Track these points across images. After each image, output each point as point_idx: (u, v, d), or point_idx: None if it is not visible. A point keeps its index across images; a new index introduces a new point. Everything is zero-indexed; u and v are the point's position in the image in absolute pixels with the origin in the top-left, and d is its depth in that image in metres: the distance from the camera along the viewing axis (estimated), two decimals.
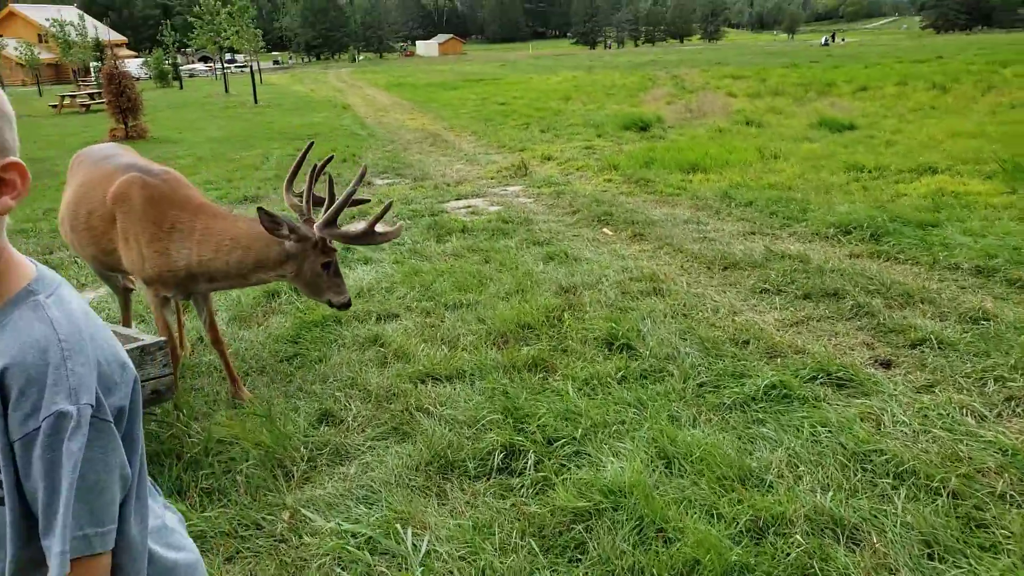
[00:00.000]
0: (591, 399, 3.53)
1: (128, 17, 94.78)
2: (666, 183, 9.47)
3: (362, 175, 3.37)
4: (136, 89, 18.33)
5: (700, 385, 3.66)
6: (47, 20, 49.12)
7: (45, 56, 53.97)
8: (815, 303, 4.81)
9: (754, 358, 3.94)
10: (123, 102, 17.81)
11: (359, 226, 3.50)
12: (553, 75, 34.87)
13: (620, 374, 3.78)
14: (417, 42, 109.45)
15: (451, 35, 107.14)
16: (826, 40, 73.84)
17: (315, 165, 3.71)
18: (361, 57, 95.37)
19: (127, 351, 2.89)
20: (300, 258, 3.38)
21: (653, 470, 2.86)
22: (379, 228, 3.42)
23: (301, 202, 3.58)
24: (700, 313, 4.68)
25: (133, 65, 57.55)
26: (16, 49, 48.19)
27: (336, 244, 3.52)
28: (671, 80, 25.58)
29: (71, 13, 50.23)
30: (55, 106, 28.61)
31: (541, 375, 3.89)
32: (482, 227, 7.52)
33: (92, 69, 42.69)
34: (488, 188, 10.07)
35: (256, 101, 27.64)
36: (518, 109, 20.44)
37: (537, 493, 2.82)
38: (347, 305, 3.52)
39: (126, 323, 4.41)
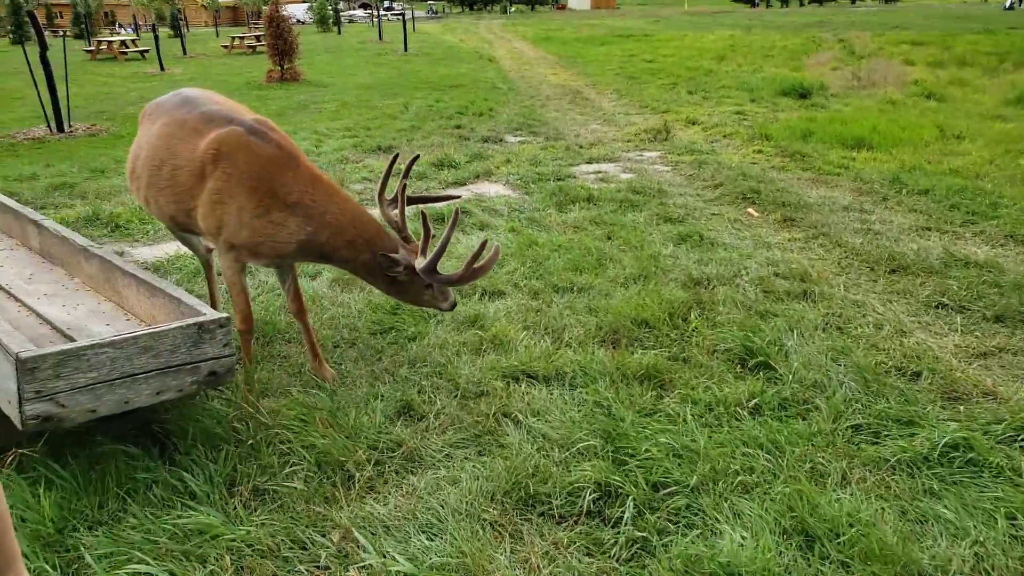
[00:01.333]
0: (713, 433, 2.91)
1: None
2: (825, 160, 8.40)
3: (454, 220, 3.04)
4: (294, 33, 18.74)
5: (854, 429, 2.94)
6: None
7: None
8: (1011, 329, 3.89)
9: (927, 399, 3.15)
10: (281, 45, 18.28)
11: (457, 272, 3.15)
12: (708, 33, 32.86)
13: (753, 402, 3.12)
14: None
15: None
16: (1012, 3, 62.97)
17: (404, 170, 3.44)
18: (513, 9, 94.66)
19: (180, 328, 2.60)
20: (406, 284, 3.30)
21: (785, 549, 2.24)
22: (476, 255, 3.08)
23: (395, 214, 3.45)
24: (859, 328, 3.89)
25: (299, 10, 59.97)
26: None
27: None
28: (839, 44, 23.28)
29: None
30: (226, 46, 30.08)
31: (654, 391, 3.29)
32: (610, 197, 6.88)
33: (262, 13, 44.70)
34: (623, 152, 9.35)
35: (406, 49, 27.80)
36: (666, 68, 19.28)
37: (631, 558, 2.28)
38: (453, 306, 3.43)
39: (212, 294, 4.18)
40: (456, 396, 3.35)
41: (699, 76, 17.18)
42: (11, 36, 17.57)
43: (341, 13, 53.24)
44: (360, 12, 70.95)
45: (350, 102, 14.25)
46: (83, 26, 38.75)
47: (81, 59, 26.59)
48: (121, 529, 2.42)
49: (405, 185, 3.41)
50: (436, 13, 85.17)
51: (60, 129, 11.45)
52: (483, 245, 3.03)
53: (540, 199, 6.92)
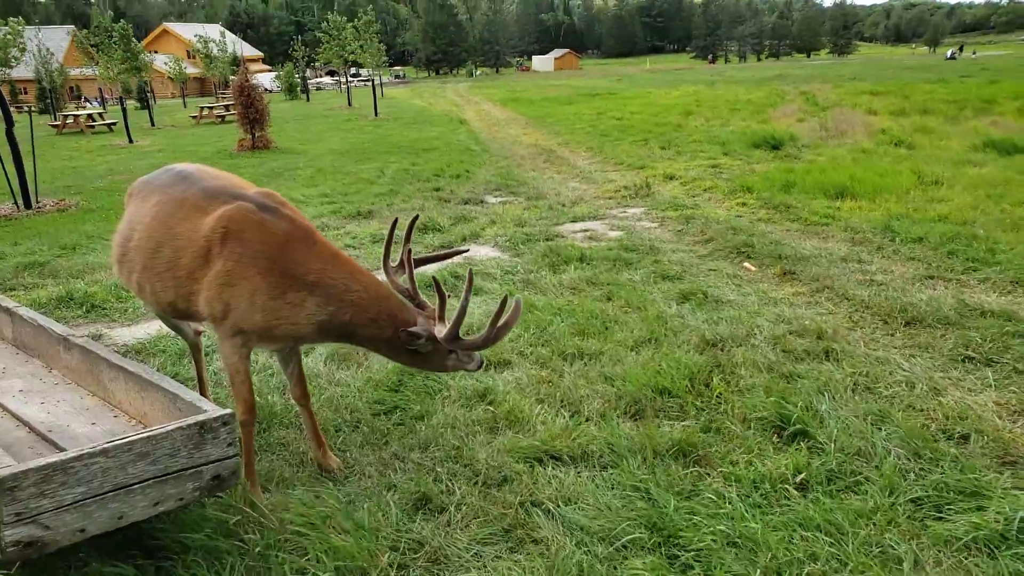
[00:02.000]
0: (764, 514, 2.69)
1: (265, 33, 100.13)
2: (810, 210, 8.40)
3: (470, 283, 2.94)
4: (264, 101, 18.73)
5: (914, 503, 2.74)
6: (195, 36, 52.33)
7: (191, 71, 57.62)
8: None
9: (983, 464, 2.97)
10: (251, 113, 18.23)
11: (481, 335, 2.97)
12: (673, 89, 33.67)
13: (800, 477, 2.91)
14: (533, 57, 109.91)
15: (567, 50, 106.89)
16: (952, 53, 65.79)
17: (405, 234, 3.33)
18: (478, 72, 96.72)
19: (180, 430, 2.32)
20: (429, 354, 3.08)
21: None
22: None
23: (404, 281, 3.27)
24: (890, 388, 3.72)
25: (266, 79, 60.53)
26: (166, 64, 51.49)
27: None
28: (801, 96, 23.93)
29: (215, 31, 53.23)
30: (195, 116, 30.04)
31: (691, 468, 3.07)
32: (602, 256, 6.75)
33: (230, 83, 45.07)
34: (607, 210, 9.29)
35: (376, 114, 28.00)
36: (636, 124, 19.57)
37: None
38: (481, 366, 3.20)
39: (201, 379, 3.90)
40: (476, 483, 3.09)
41: (669, 131, 17.42)
42: None
43: (308, 80, 53.83)
44: (327, 79, 71.83)
45: (325, 168, 14.14)
46: (48, 101, 38.58)
47: (47, 134, 26.32)
48: None
49: (410, 250, 3.24)
50: (403, 77, 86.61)
51: (28, 205, 11.13)
52: (504, 301, 2.84)
53: (532, 260, 6.76)
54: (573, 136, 18.14)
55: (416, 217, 3.39)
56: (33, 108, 41.49)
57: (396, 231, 3.45)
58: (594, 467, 3.16)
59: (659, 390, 3.78)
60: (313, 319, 2.95)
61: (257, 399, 3.89)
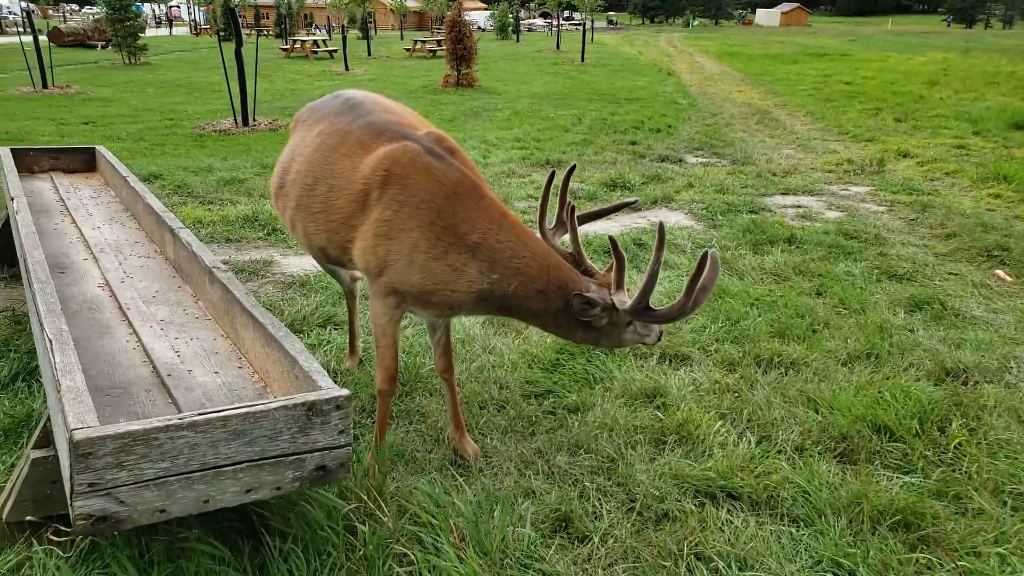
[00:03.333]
0: None
1: None
2: None
3: (661, 241, 2.34)
4: (473, 39, 18.70)
5: None
6: None
7: (412, 4, 59.78)
8: None
9: None
10: (459, 50, 18.29)
11: (674, 304, 2.39)
12: (916, 55, 29.85)
13: None
14: (758, 10, 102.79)
15: (796, 4, 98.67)
16: None
17: (561, 187, 2.82)
18: (696, 22, 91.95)
19: (283, 409, 1.91)
20: (604, 328, 2.59)
21: None
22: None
23: (565, 242, 2.76)
24: None
25: (480, 17, 61.44)
26: None
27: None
28: None
29: None
30: (408, 49, 30.99)
31: (918, 550, 2.30)
32: (816, 239, 5.79)
33: (445, 17, 46.25)
34: (825, 185, 8.13)
35: (583, 59, 27.29)
36: (868, 91, 17.40)
37: None
38: (660, 338, 2.68)
39: (353, 328, 3.61)
40: (630, 512, 2.53)
41: (907, 102, 15.27)
42: (221, 33, 19.02)
43: (521, 21, 53.83)
44: (539, 21, 71.64)
45: (522, 111, 13.79)
46: (283, 26, 41.51)
47: (278, 56, 28.23)
48: None
49: (572, 206, 2.67)
50: (616, 24, 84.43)
51: (245, 123, 11.76)
52: (703, 259, 2.27)
53: (730, 235, 5.94)
54: (793, 98, 16.46)
55: (573, 167, 2.80)
56: (271, 32, 44.92)
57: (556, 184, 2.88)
58: (782, 518, 2.48)
59: (877, 427, 2.98)
60: (474, 287, 2.50)
61: (402, 358, 3.56)
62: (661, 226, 2.34)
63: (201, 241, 5.88)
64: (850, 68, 23.63)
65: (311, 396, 1.99)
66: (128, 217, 4.57)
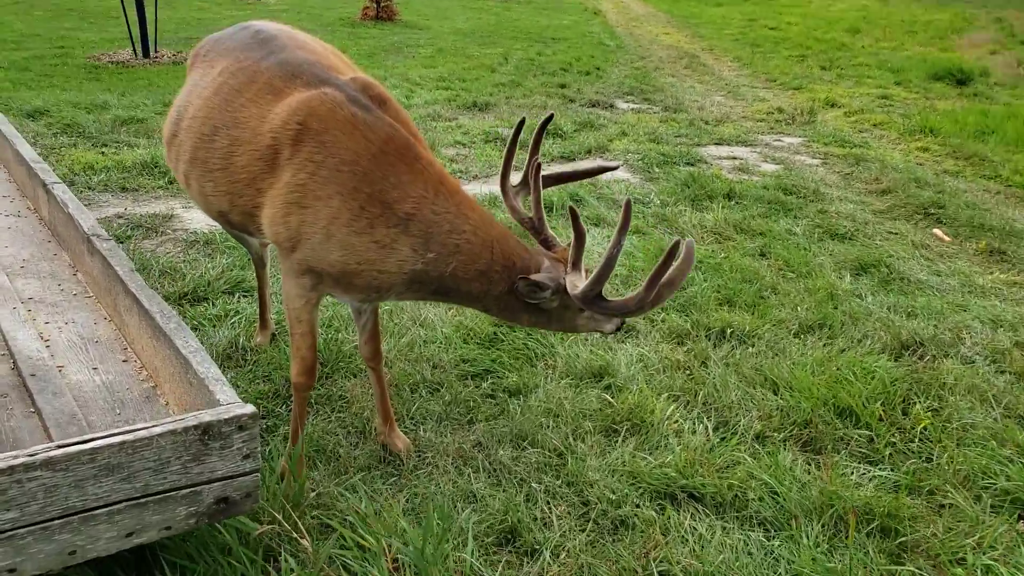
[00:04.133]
0: None
1: None
2: (1013, 168, 6.86)
3: (626, 218, 1.99)
4: None
5: None
6: None
7: None
8: None
9: None
10: None
11: (631, 297, 2.05)
12: (837, 1, 30.14)
13: None
14: None
15: None
16: None
17: (533, 141, 2.38)
18: None
19: (170, 435, 1.48)
20: (554, 311, 2.26)
21: None
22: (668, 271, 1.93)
23: (527, 208, 2.37)
24: None
25: None
26: None
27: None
28: (995, 24, 20.68)
29: None
30: None
31: (900, 560, 2.12)
32: (755, 195, 5.61)
33: None
34: (758, 135, 7.97)
35: None
36: (792, 37, 17.38)
37: None
38: (620, 328, 2.34)
39: (263, 301, 3.17)
40: (584, 520, 2.27)
41: (831, 50, 15.30)
42: None
43: None
44: None
45: (446, 48, 13.11)
46: None
47: None
48: None
49: (539, 165, 2.30)
50: None
51: (145, 54, 10.71)
52: (674, 248, 1.93)
53: (668, 189, 5.69)
54: (719, 42, 16.27)
55: (550, 117, 2.35)
56: None
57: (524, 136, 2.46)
58: (750, 523, 2.27)
59: (840, 410, 2.80)
60: (405, 267, 2.12)
61: (321, 333, 3.17)
62: (627, 204, 2.00)
63: (93, 190, 5.26)
64: (774, 13, 23.59)
65: (206, 416, 1.60)
66: None
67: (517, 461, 2.53)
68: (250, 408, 1.65)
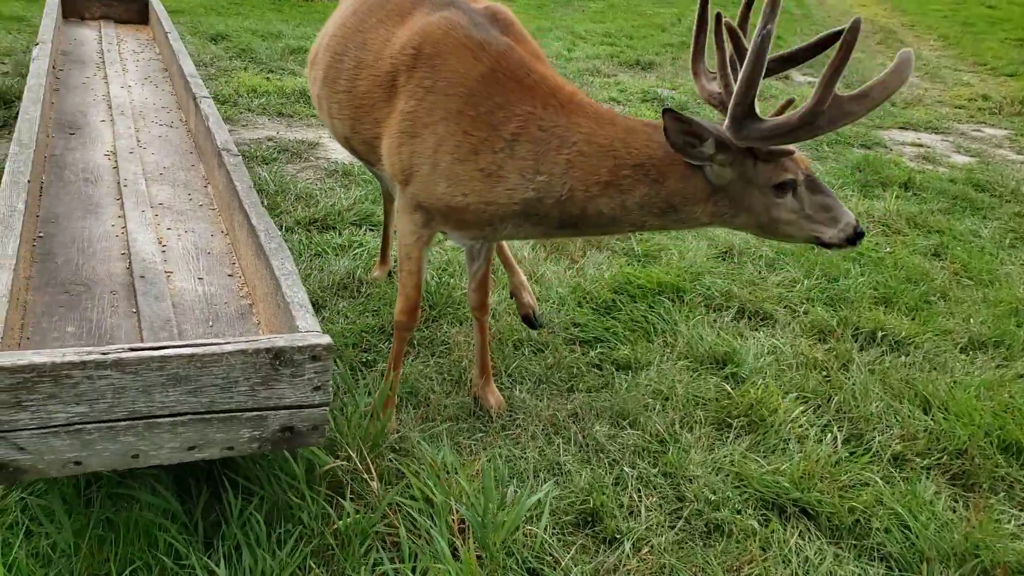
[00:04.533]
0: None
1: None
2: None
3: (774, 5, 1.58)
4: None
5: None
6: None
7: None
8: None
9: None
10: None
11: (794, 113, 1.65)
12: None
13: None
14: None
15: None
16: None
17: (739, 17, 1.98)
18: None
19: (240, 354, 1.41)
20: (735, 186, 1.81)
21: None
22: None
23: (724, 87, 1.93)
24: None
25: None
26: None
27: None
28: None
29: None
30: None
31: None
32: (938, 187, 4.96)
33: None
34: (953, 122, 7.09)
35: None
36: (1014, 18, 15.36)
37: None
38: (854, 238, 1.82)
39: (386, 238, 3.11)
40: (675, 516, 2.05)
41: None
42: None
43: None
44: None
45: (618, 4, 12.65)
46: None
47: None
48: None
49: (730, 23, 1.91)
50: None
51: None
52: (852, 29, 1.56)
53: (836, 171, 5.16)
54: (924, 18, 14.69)
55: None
56: None
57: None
58: (870, 556, 1.96)
59: (1005, 445, 2.38)
60: (515, 196, 1.95)
61: (433, 277, 3.10)
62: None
63: (252, 112, 5.47)
64: None
65: (280, 341, 1.53)
66: (164, 78, 4.14)
67: (612, 440, 2.33)
68: (326, 339, 1.56)
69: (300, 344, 1.54)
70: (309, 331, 1.59)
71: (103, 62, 4.25)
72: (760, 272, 3.62)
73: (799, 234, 1.86)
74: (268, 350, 1.51)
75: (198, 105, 3.07)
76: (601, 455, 2.27)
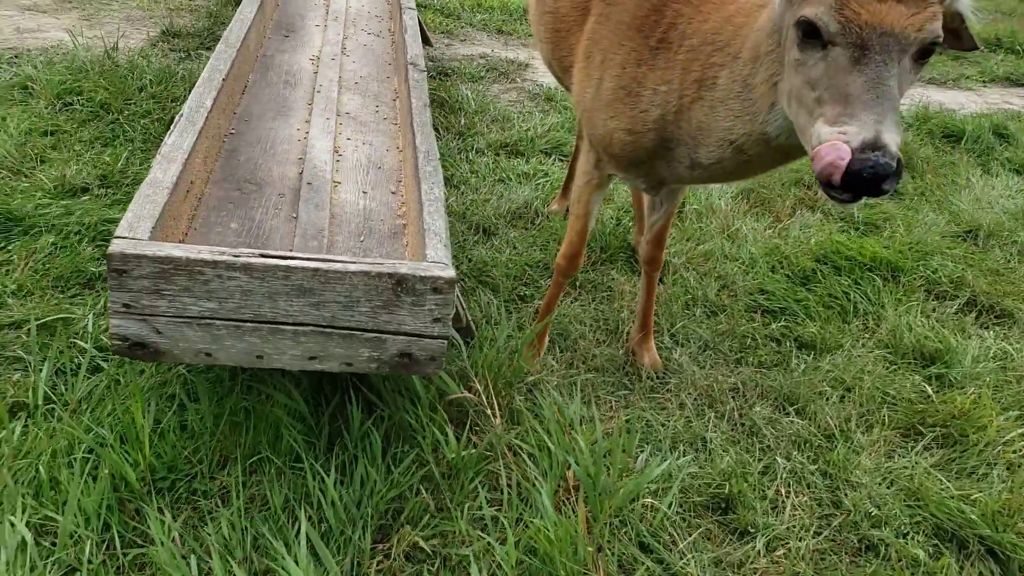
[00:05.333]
0: None
1: None
2: None
3: None
4: None
5: None
6: None
7: None
8: None
9: None
10: None
11: None
12: None
13: None
14: None
15: None
16: None
17: None
18: None
19: (363, 275, 1.33)
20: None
21: None
22: None
23: None
24: None
25: None
26: None
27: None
28: None
29: None
30: None
31: None
32: None
33: None
34: None
35: None
36: None
37: None
38: (842, 171, 1.14)
39: (569, 180, 2.94)
40: (823, 523, 1.79)
41: None
42: None
43: None
44: None
45: None
46: None
47: None
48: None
49: None
50: None
51: None
52: None
53: None
54: None
55: None
56: None
57: None
58: None
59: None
60: (651, 115, 1.70)
61: (611, 218, 2.92)
62: None
63: (473, 27, 5.47)
64: None
65: (403, 268, 1.47)
66: None
67: (771, 424, 2.08)
68: (450, 272, 1.48)
69: (422, 274, 1.47)
70: (436, 262, 1.52)
71: None
72: (1009, 261, 3.04)
73: (801, 135, 1.30)
74: (391, 275, 1.46)
75: (402, 15, 3.08)
76: (754, 438, 2.03)
